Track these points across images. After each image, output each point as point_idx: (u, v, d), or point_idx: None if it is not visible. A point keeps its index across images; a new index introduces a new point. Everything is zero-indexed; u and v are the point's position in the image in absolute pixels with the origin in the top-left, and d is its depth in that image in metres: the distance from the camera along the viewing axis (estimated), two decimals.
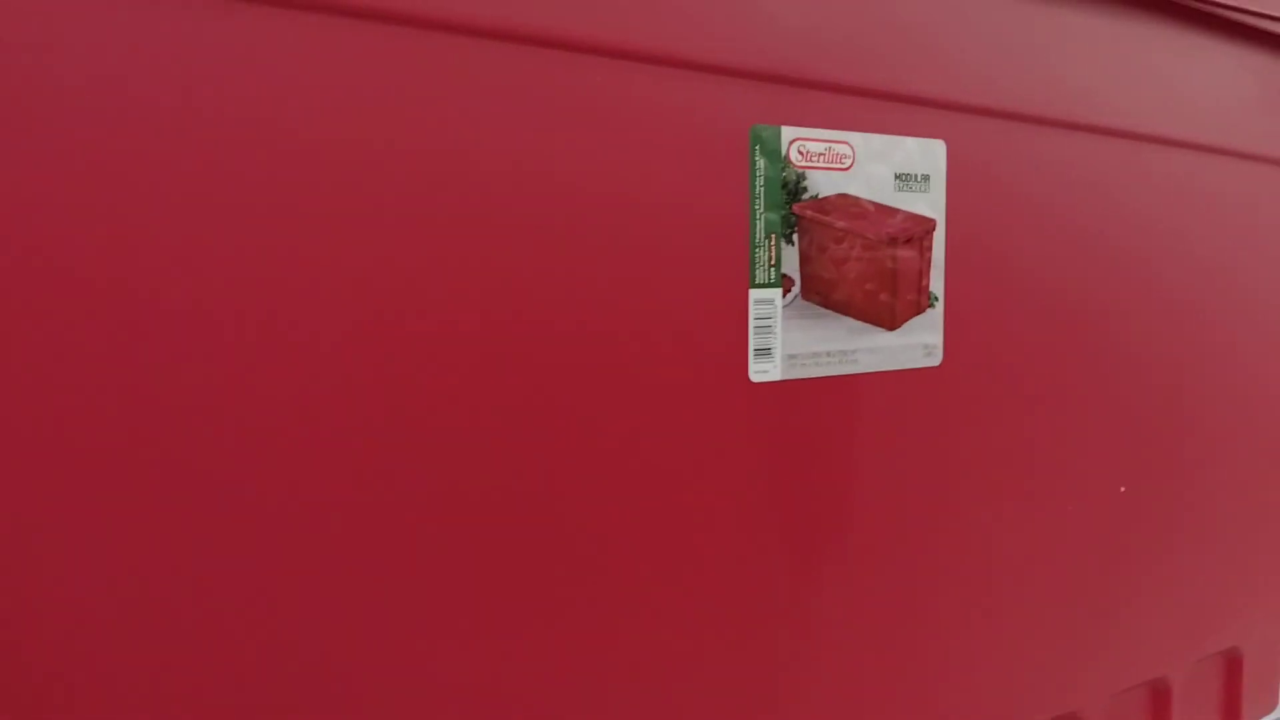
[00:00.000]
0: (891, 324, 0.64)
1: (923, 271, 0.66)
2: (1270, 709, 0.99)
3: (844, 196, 0.62)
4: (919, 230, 0.65)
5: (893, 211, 0.64)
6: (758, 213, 0.58)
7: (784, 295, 0.60)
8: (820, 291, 0.61)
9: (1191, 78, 0.81)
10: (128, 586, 0.42)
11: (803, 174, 0.60)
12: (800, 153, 0.60)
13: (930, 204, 0.66)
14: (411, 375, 0.47)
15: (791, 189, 0.59)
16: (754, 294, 0.58)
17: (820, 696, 0.63)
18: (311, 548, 0.46)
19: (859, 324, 0.63)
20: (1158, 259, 0.80)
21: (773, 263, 0.59)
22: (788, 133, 0.59)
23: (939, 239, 0.66)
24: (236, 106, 0.43)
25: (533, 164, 0.50)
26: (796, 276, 0.60)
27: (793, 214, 0.60)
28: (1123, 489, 0.80)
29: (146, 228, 0.41)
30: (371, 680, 0.48)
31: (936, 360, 0.67)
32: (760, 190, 0.58)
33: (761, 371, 0.59)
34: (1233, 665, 0.93)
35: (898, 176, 0.64)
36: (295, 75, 0.44)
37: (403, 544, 0.48)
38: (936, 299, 0.67)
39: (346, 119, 0.45)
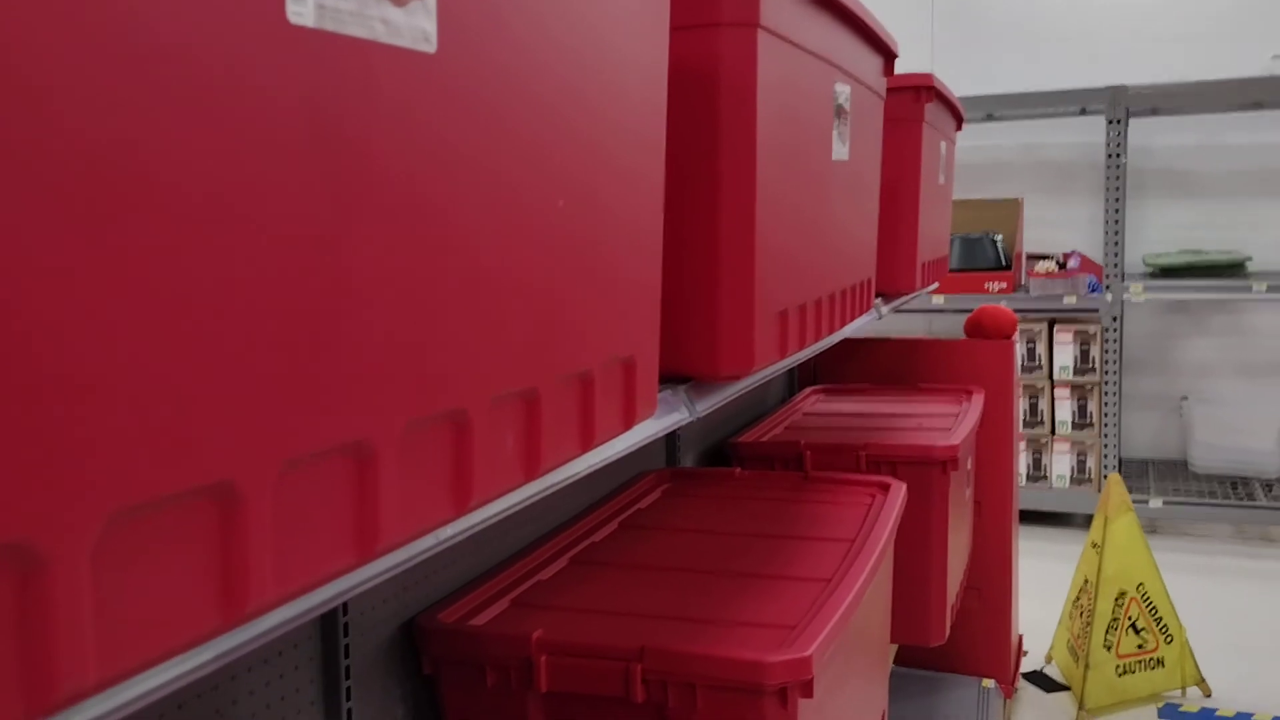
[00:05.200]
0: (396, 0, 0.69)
1: None
2: (653, 410, 1.23)
3: None
4: None
5: None
6: None
7: None
8: None
9: None
10: None
11: None
12: None
13: None
14: None
15: None
16: None
17: (362, 330, 0.68)
18: None
19: None
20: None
21: None
22: None
23: None
24: None
25: None
26: None
27: None
28: (561, 203, 0.95)
29: None
30: None
31: (432, 48, 0.73)
32: None
33: (298, 14, 0.61)
34: (629, 371, 1.15)
35: None
36: None
37: None
38: None
39: None
